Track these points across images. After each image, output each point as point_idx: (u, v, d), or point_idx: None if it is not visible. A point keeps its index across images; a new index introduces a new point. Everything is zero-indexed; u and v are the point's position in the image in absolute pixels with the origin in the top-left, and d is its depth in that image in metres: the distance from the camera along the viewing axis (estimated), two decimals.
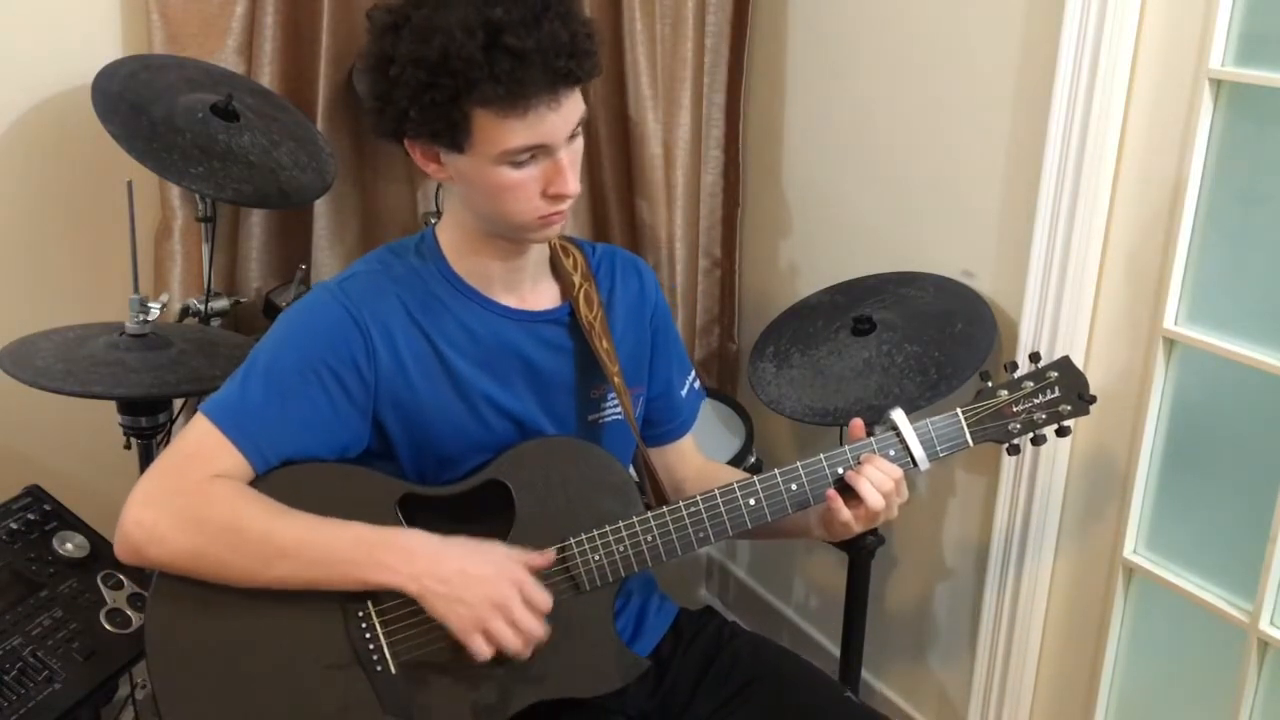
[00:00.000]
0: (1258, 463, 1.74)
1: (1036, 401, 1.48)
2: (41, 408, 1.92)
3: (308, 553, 1.33)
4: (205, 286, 2.20)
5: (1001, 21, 1.96)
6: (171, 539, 1.32)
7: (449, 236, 1.47)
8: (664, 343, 1.62)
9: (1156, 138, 1.77)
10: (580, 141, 1.38)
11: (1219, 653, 1.83)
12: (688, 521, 1.43)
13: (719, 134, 2.60)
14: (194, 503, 1.33)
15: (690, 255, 2.60)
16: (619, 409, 1.54)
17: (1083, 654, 2.04)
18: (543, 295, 1.51)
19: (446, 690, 1.39)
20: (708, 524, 1.43)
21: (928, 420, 1.46)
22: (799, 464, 1.43)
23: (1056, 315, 1.91)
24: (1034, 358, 1.51)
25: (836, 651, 2.23)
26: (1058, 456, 1.98)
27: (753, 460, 2.24)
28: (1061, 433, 1.50)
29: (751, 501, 1.43)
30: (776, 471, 1.43)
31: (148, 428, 1.94)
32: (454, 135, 1.32)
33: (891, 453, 1.44)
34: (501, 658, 1.34)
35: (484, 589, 1.32)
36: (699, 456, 1.70)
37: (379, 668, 1.38)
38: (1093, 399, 1.50)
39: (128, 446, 1.97)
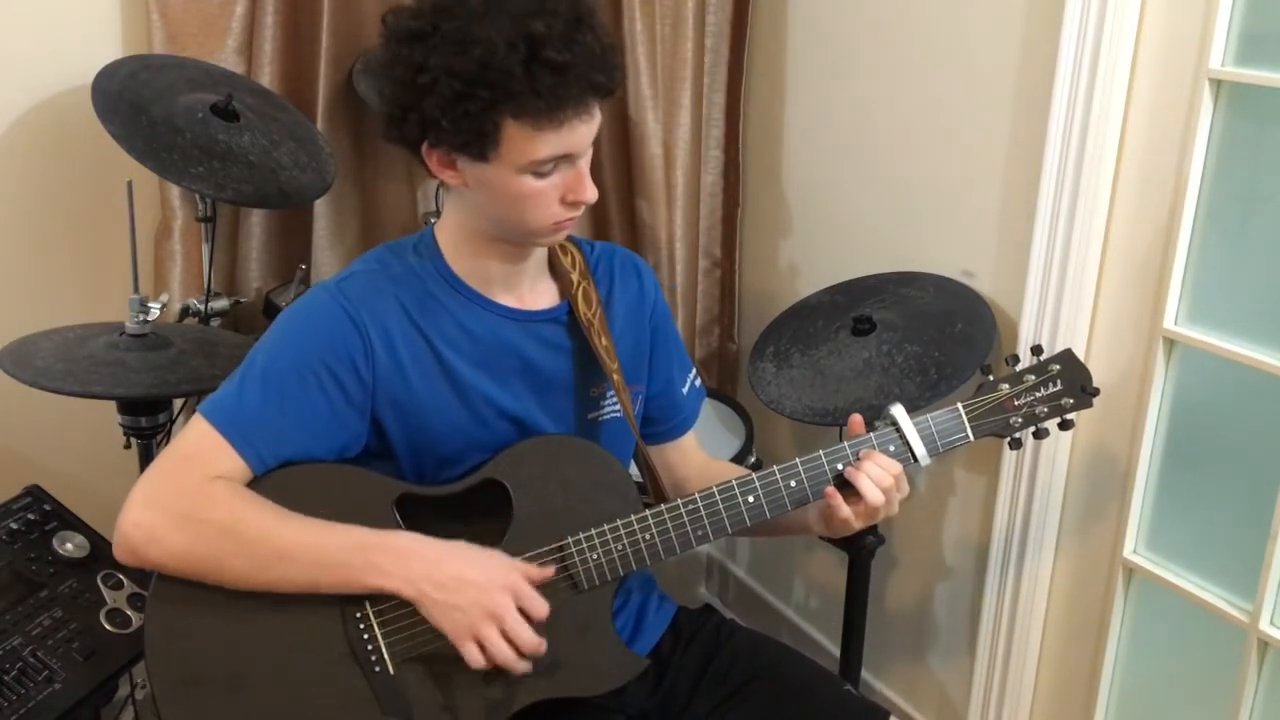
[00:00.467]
0: (1258, 463, 1.74)
1: (1038, 395, 1.48)
2: (41, 408, 1.92)
3: (305, 555, 1.33)
4: (205, 286, 2.20)
5: (1001, 21, 1.96)
6: (169, 540, 1.32)
7: (448, 237, 1.47)
8: (664, 341, 1.62)
9: (1156, 138, 1.77)
10: (591, 148, 1.39)
11: (1219, 653, 1.83)
12: (686, 520, 1.42)
13: (719, 134, 2.60)
14: (192, 504, 1.33)
15: (690, 255, 2.60)
16: (618, 407, 1.54)
17: (1083, 654, 2.04)
18: (541, 295, 1.51)
19: (445, 691, 1.39)
20: (707, 522, 1.43)
21: (928, 415, 1.45)
22: (798, 461, 1.43)
23: (1056, 315, 1.91)
24: (1036, 350, 1.50)
25: (836, 651, 2.23)
26: (1058, 456, 1.98)
27: (753, 460, 2.24)
28: (1064, 426, 1.50)
29: (750, 499, 1.43)
30: (776, 469, 1.43)
31: (148, 428, 1.94)
32: (481, 145, 1.31)
33: (891, 448, 1.44)
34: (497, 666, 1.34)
35: (479, 596, 1.32)
36: (701, 454, 1.70)
37: (377, 669, 1.38)
38: (1095, 391, 1.49)
39: (128, 446, 1.97)
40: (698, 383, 1.68)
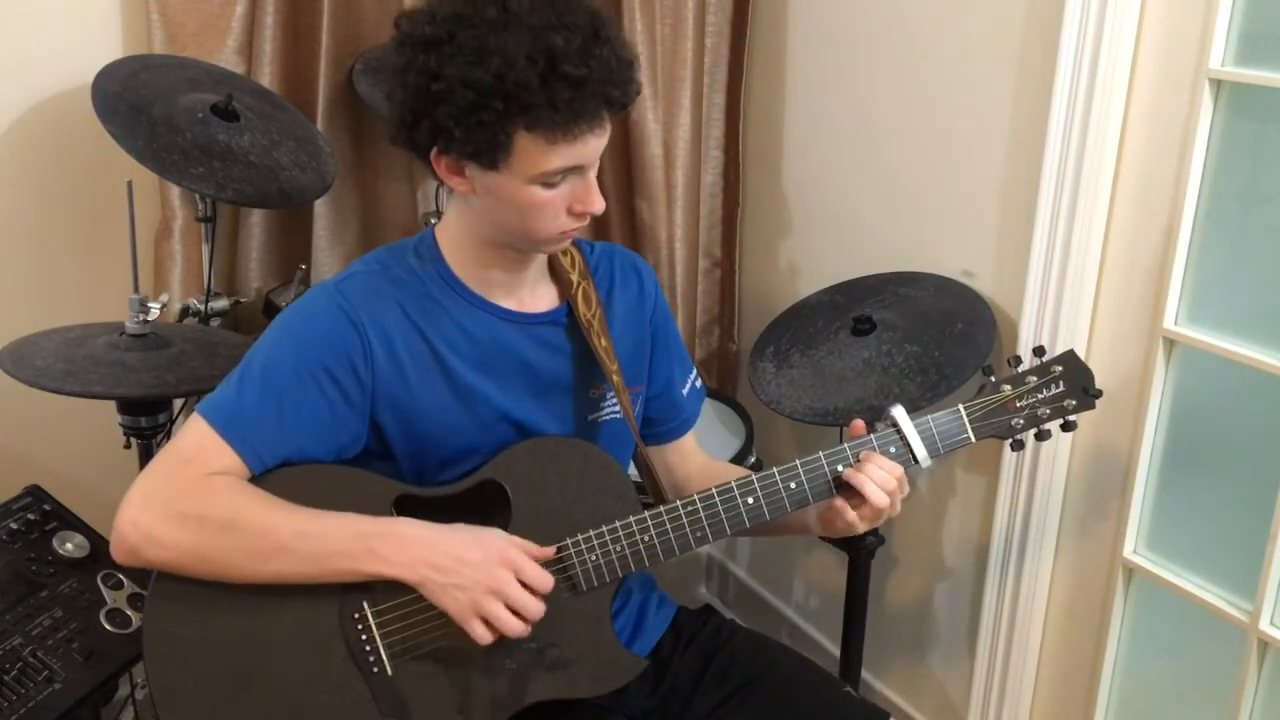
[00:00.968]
0: (1258, 463, 1.74)
1: (1040, 396, 1.47)
2: (41, 408, 1.92)
3: (306, 546, 1.33)
4: (205, 286, 2.20)
5: (1001, 21, 1.96)
6: (169, 538, 1.32)
7: (450, 239, 1.46)
8: (664, 341, 1.61)
9: (1156, 138, 1.77)
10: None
11: (1219, 653, 1.83)
12: (685, 521, 1.42)
13: (719, 134, 2.60)
14: (191, 500, 1.33)
15: (690, 255, 2.60)
16: (618, 408, 1.54)
17: (1083, 654, 2.04)
18: (541, 297, 1.51)
19: (444, 691, 1.39)
20: (706, 523, 1.42)
21: (929, 416, 1.45)
22: (798, 462, 1.43)
23: (1056, 315, 1.91)
24: (1038, 351, 1.49)
25: (836, 651, 2.23)
26: (1058, 456, 1.98)
27: (753, 460, 2.24)
28: (1066, 427, 1.49)
29: (750, 500, 1.43)
30: (775, 470, 1.43)
31: (148, 428, 1.94)
32: (493, 155, 1.31)
33: (892, 450, 1.43)
34: (503, 643, 1.34)
35: (479, 573, 1.32)
36: (701, 455, 1.70)
37: (375, 669, 1.38)
38: (1098, 393, 1.48)
39: (128, 446, 1.97)
40: (698, 384, 1.68)
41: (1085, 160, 1.82)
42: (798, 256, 2.55)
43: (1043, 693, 2.13)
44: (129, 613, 1.77)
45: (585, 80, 1.27)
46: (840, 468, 1.43)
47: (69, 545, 1.81)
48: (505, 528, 1.41)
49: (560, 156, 1.31)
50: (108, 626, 1.74)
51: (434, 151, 1.36)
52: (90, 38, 2.14)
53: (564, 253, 1.53)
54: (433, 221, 2.36)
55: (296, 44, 2.25)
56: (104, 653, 1.71)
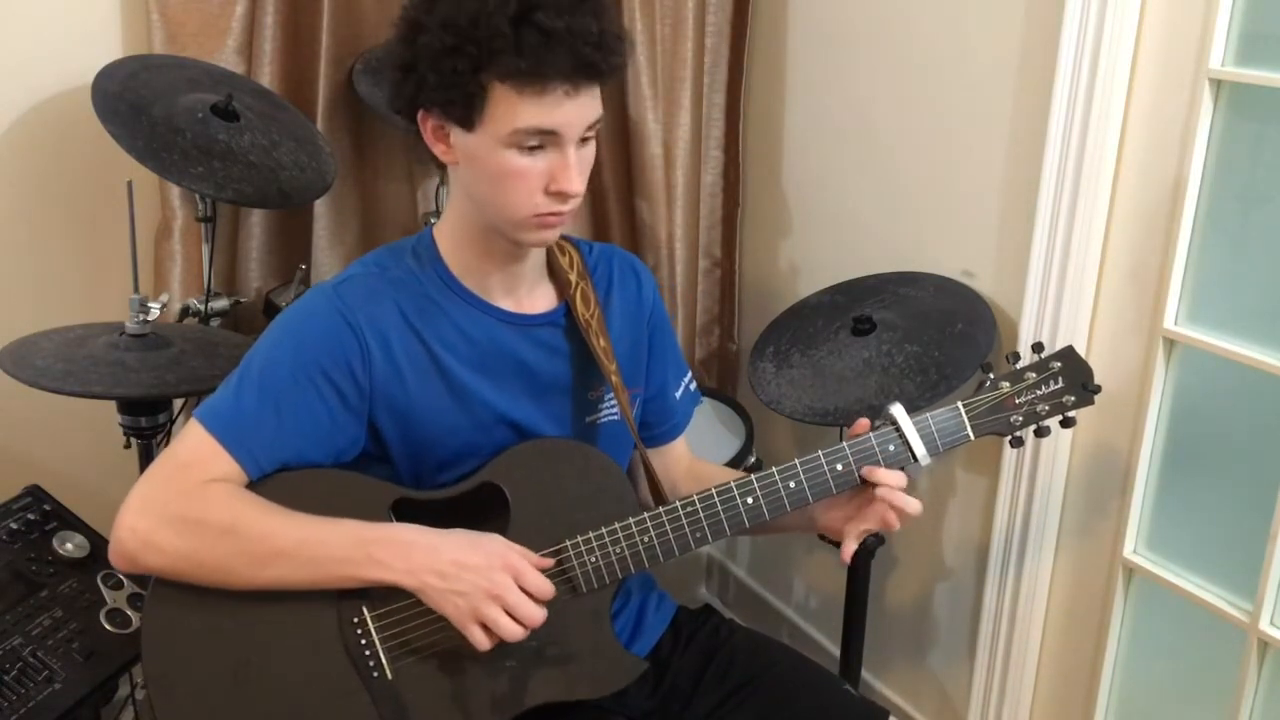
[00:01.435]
0: (1258, 463, 1.74)
1: (1039, 393, 1.47)
2: (41, 408, 1.92)
3: (305, 552, 1.33)
4: (205, 286, 2.20)
5: (1001, 21, 1.95)
6: (167, 545, 1.32)
7: (448, 236, 1.46)
8: (661, 344, 1.61)
9: (1156, 138, 1.77)
10: (592, 149, 1.38)
11: (1219, 653, 1.83)
12: (685, 522, 1.42)
13: (719, 134, 2.60)
14: (189, 507, 1.32)
15: (690, 255, 2.60)
16: (616, 410, 1.54)
17: (1083, 654, 2.04)
18: (539, 298, 1.50)
19: (444, 696, 1.39)
20: (705, 524, 1.42)
21: (928, 414, 1.44)
22: (797, 462, 1.43)
23: (1056, 315, 1.91)
24: (1037, 348, 1.49)
25: (836, 651, 2.23)
26: (1058, 456, 1.98)
27: (753, 460, 2.24)
28: (1066, 424, 1.49)
29: (749, 501, 1.43)
30: (775, 470, 1.43)
31: (148, 428, 1.94)
32: (468, 108, 1.31)
33: (891, 448, 1.43)
34: (503, 646, 1.34)
35: (479, 578, 1.32)
36: (689, 457, 1.71)
37: (375, 674, 1.38)
38: (1097, 389, 1.48)
39: (128, 446, 1.97)
40: (692, 387, 1.68)
41: (1085, 160, 1.82)
42: (798, 256, 2.55)
43: (1043, 693, 2.13)
44: (129, 613, 1.77)
45: (556, 32, 1.27)
46: (840, 466, 1.42)
47: (69, 545, 1.81)
48: (504, 530, 1.41)
49: (529, 114, 1.29)
50: (108, 626, 1.74)
51: (420, 114, 1.36)
52: (90, 38, 2.14)
53: (563, 252, 1.52)
54: (433, 222, 2.37)
55: (296, 44, 2.25)
56: (104, 653, 1.71)
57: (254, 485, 1.37)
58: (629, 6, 2.37)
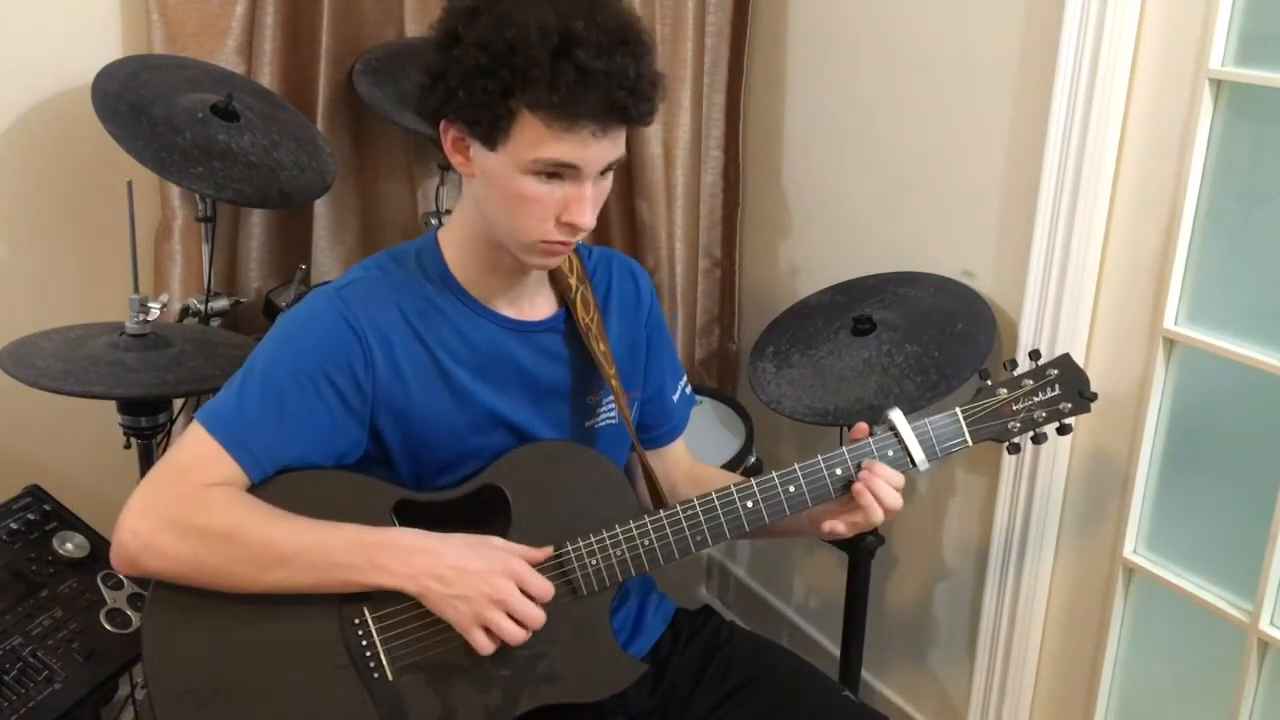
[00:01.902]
0: (1258, 463, 1.74)
1: (1036, 400, 1.48)
2: (41, 408, 1.92)
3: (307, 557, 1.33)
4: (205, 286, 2.20)
5: (1001, 21, 1.95)
6: (169, 548, 1.32)
7: (453, 242, 1.46)
8: (658, 347, 1.62)
9: (1156, 138, 1.77)
10: (609, 182, 1.38)
11: (1219, 653, 1.83)
12: (685, 525, 1.42)
13: (719, 134, 2.60)
14: (191, 511, 1.32)
15: (690, 255, 2.60)
16: (614, 414, 1.54)
17: (1083, 654, 2.04)
18: (540, 305, 1.50)
19: (444, 697, 1.39)
20: (705, 527, 1.42)
21: (926, 420, 1.45)
22: (796, 466, 1.43)
23: (1056, 315, 1.91)
24: (1034, 355, 1.50)
25: (836, 651, 2.23)
26: (1058, 456, 1.98)
27: (753, 460, 2.24)
28: (1062, 431, 1.50)
29: (749, 504, 1.43)
30: (774, 474, 1.43)
31: (148, 428, 1.94)
32: (493, 129, 1.31)
33: (890, 453, 1.43)
34: (504, 648, 1.34)
35: (480, 583, 1.32)
36: (688, 459, 1.71)
37: (376, 675, 1.38)
38: (1093, 396, 1.49)
39: (128, 446, 1.97)
40: (688, 390, 1.69)
41: (1085, 160, 1.82)
42: (798, 256, 2.55)
43: (1043, 693, 2.13)
44: (129, 613, 1.77)
45: (594, 72, 1.26)
46: (839, 471, 1.43)
47: (69, 545, 1.81)
48: (505, 532, 1.41)
49: (556, 147, 1.30)
50: (108, 626, 1.74)
51: (444, 122, 1.36)
52: (90, 38, 2.14)
53: None
54: (433, 222, 2.37)
55: (296, 44, 2.25)
56: (104, 653, 1.71)
57: (255, 487, 1.36)
58: (629, 6, 2.37)
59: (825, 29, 2.37)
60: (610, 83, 1.28)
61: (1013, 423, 1.47)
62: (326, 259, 2.34)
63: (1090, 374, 1.53)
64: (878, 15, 2.23)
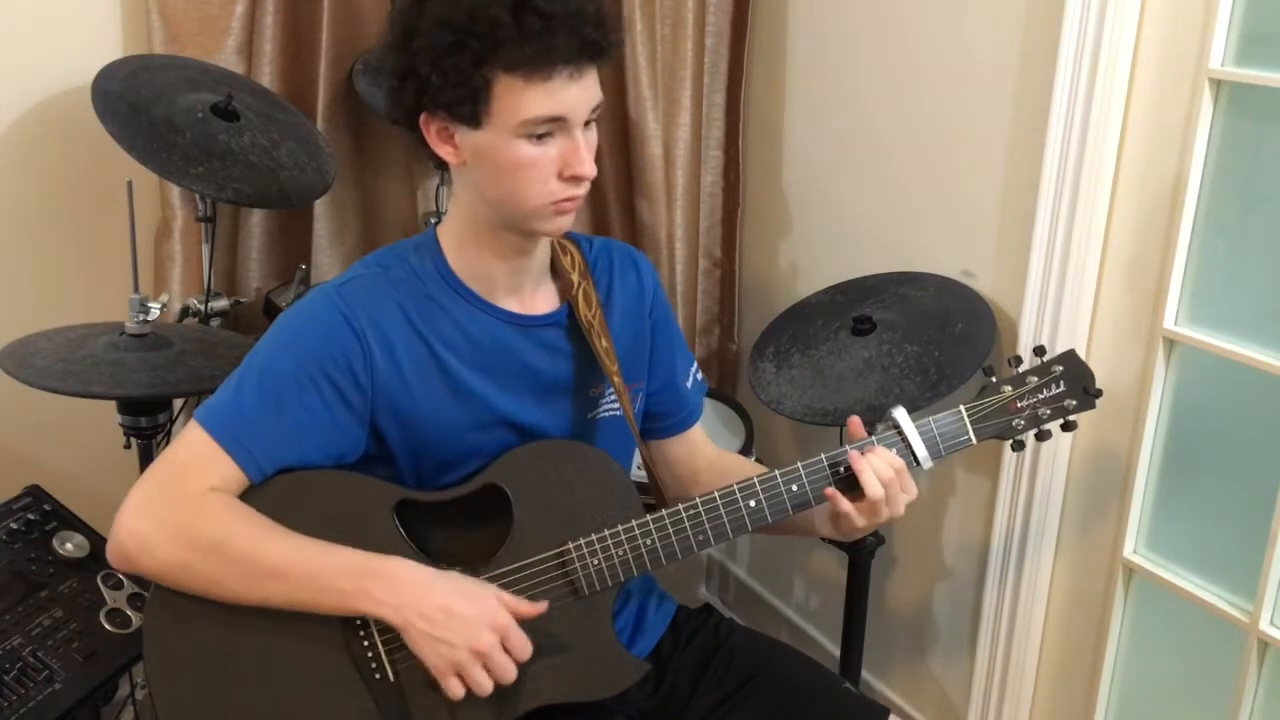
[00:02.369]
0: (1258, 463, 1.74)
1: (1041, 396, 1.46)
2: (41, 408, 1.92)
3: (295, 576, 1.32)
4: (205, 286, 2.20)
5: (1002, 22, 1.96)
6: (161, 551, 1.32)
7: (452, 235, 1.46)
8: (664, 334, 1.61)
9: (1156, 138, 1.77)
10: (595, 133, 1.38)
11: (1219, 653, 1.83)
12: (687, 525, 1.42)
13: (719, 134, 2.60)
14: (185, 517, 1.32)
15: (690, 255, 2.60)
16: (617, 405, 1.53)
17: (1083, 654, 2.04)
18: (542, 299, 1.50)
19: (444, 697, 1.38)
20: (707, 526, 1.42)
21: (930, 418, 1.44)
22: (800, 464, 1.43)
23: (1056, 315, 1.91)
24: (1039, 351, 1.49)
25: (836, 651, 2.23)
26: (1058, 456, 1.98)
27: (753, 460, 2.24)
28: (1067, 427, 1.49)
29: (752, 504, 1.42)
30: (777, 473, 1.42)
31: (148, 428, 1.94)
32: (474, 105, 1.31)
33: (893, 451, 1.43)
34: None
35: (466, 632, 1.31)
36: (711, 447, 1.69)
37: (377, 675, 1.37)
38: (1099, 393, 1.48)
39: (128, 446, 1.97)
40: (699, 376, 1.68)
41: (1085, 160, 1.82)
42: (798, 256, 2.55)
43: (1043, 693, 2.13)
44: (129, 613, 1.77)
45: (556, 14, 1.27)
46: (842, 469, 1.42)
47: (69, 545, 1.81)
48: (507, 532, 1.41)
49: (538, 102, 1.29)
50: (108, 626, 1.74)
51: (423, 117, 1.36)
52: (90, 38, 2.14)
53: (564, 251, 1.52)
54: (433, 222, 2.37)
55: (296, 44, 2.26)
56: (104, 653, 1.71)
57: (255, 487, 1.36)
58: (629, 6, 2.37)
59: (825, 29, 2.37)
60: (575, 21, 1.28)
61: (1017, 420, 1.46)
62: (326, 259, 2.34)
63: None
64: (878, 15, 2.23)
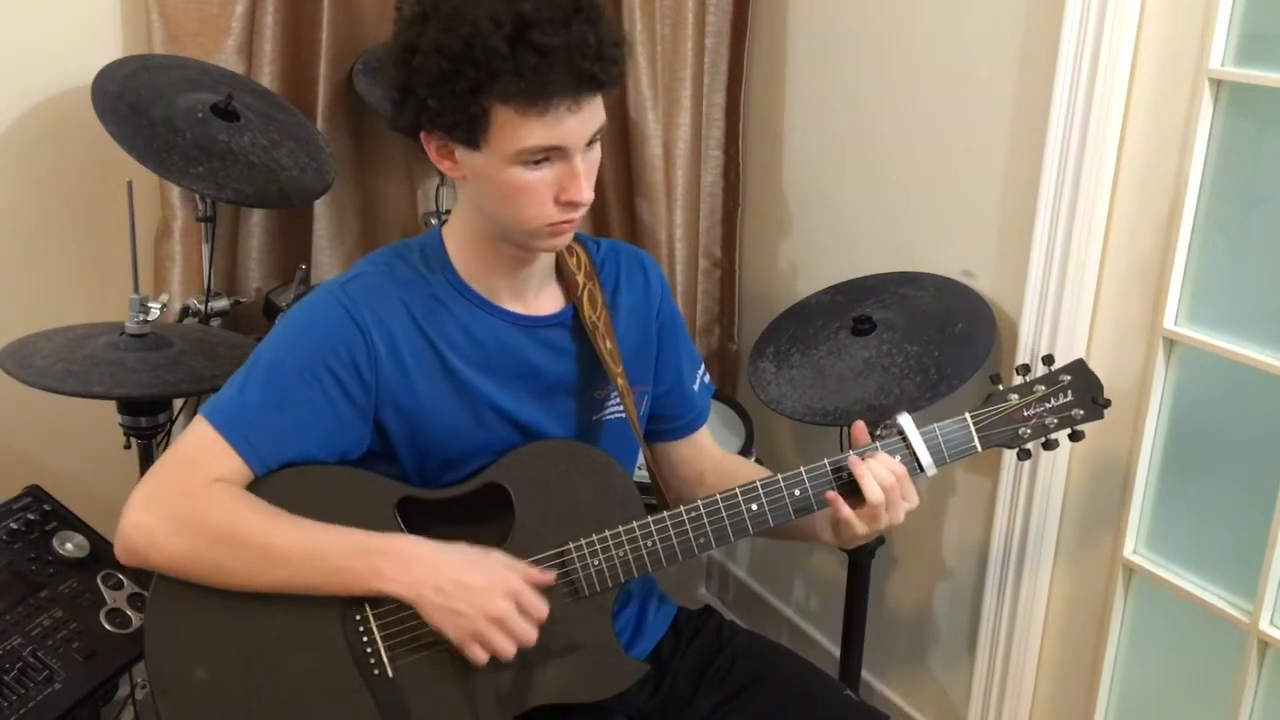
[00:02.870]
0: (1258, 463, 1.74)
1: (1048, 405, 1.45)
2: (41, 408, 1.92)
3: (305, 560, 1.33)
4: (205, 286, 2.20)
5: (1002, 22, 1.96)
6: (169, 543, 1.32)
7: (456, 239, 1.46)
8: (672, 337, 1.61)
9: (1156, 138, 1.77)
10: (598, 151, 1.37)
11: (1219, 653, 1.83)
12: (689, 527, 1.42)
13: (719, 134, 2.60)
14: (192, 508, 1.32)
15: (690, 255, 2.60)
16: (621, 407, 1.53)
17: (1083, 654, 2.04)
18: (546, 300, 1.50)
19: (444, 695, 1.39)
20: (709, 529, 1.42)
21: (935, 425, 1.43)
22: (802, 469, 1.42)
23: (1056, 315, 1.91)
24: (1047, 360, 1.48)
25: (836, 652, 2.23)
26: (1058, 457, 1.98)
27: (752, 460, 2.24)
28: (1074, 437, 1.47)
29: (754, 507, 1.42)
30: (779, 476, 1.42)
31: (148, 428, 1.94)
32: (471, 130, 1.30)
33: (898, 458, 1.42)
34: (496, 660, 1.34)
35: (480, 600, 1.32)
36: (716, 449, 1.69)
37: (376, 672, 1.38)
38: (1107, 403, 1.46)
39: (128, 446, 1.97)
40: (707, 378, 1.67)
41: (1085, 160, 1.82)
42: (798, 256, 2.55)
43: (1043, 693, 2.13)
44: (129, 613, 1.77)
45: (554, 50, 1.25)
46: (845, 475, 1.41)
47: (69, 545, 1.81)
48: (508, 531, 1.41)
49: (534, 133, 1.29)
50: (108, 626, 1.74)
51: (423, 134, 1.36)
52: (90, 38, 2.14)
53: (570, 253, 1.52)
54: (433, 222, 2.37)
55: (296, 44, 2.26)
56: (104, 653, 1.71)
57: (259, 482, 1.36)
58: (629, 7, 2.37)
59: (825, 29, 2.37)
60: (573, 55, 1.27)
61: (1024, 429, 1.45)
62: (326, 259, 2.34)
63: None
64: (878, 15, 2.23)
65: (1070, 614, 2.06)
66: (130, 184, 1.87)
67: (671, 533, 1.42)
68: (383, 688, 1.37)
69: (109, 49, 2.15)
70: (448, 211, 2.38)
